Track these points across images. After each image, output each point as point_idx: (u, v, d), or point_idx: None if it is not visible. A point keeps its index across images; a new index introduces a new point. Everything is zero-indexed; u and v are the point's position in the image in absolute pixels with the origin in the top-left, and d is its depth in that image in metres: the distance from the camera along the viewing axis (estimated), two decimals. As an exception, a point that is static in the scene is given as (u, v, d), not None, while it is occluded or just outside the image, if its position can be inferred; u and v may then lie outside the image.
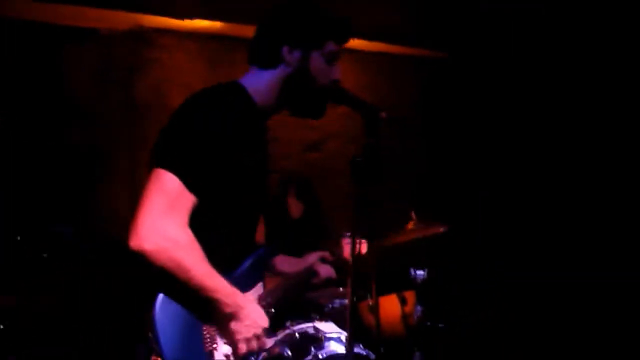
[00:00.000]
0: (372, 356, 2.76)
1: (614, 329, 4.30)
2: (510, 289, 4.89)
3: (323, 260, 2.50)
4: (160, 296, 1.82)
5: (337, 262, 2.54)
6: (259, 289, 2.13)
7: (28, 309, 3.18)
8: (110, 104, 4.31)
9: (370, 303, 3.51)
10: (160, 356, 1.78)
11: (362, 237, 2.74)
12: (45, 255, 3.40)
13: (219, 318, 1.91)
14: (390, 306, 3.55)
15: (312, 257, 2.50)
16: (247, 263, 2.07)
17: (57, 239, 3.56)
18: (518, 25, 4.71)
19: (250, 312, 1.93)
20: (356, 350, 2.73)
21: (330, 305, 3.44)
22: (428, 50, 5.23)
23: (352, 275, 1.76)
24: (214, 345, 1.91)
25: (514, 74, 5.16)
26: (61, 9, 3.90)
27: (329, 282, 2.59)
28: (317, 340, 2.74)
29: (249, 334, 1.93)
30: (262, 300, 2.11)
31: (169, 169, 1.81)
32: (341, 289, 3.61)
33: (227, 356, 1.94)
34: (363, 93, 2.01)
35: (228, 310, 1.88)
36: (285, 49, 2.03)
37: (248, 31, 4.91)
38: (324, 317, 3.10)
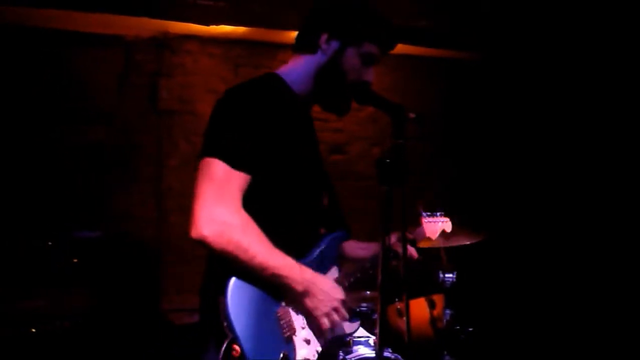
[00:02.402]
0: (401, 360, 2.74)
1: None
2: (540, 292, 4.82)
3: (401, 240, 2.41)
4: (231, 282, 1.83)
5: (416, 242, 2.47)
6: (333, 273, 2.11)
7: (59, 313, 3.21)
8: (135, 110, 4.34)
9: (399, 307, 3.49)
10: (238, 343, 1.78)
11: (446, 215, 2.60)
12: (75, 260, 3.44)
13: (292, 298, 1.90)
14: (419, 310, 3.52)
15: (391, 238, 2.42)
16: (318, 249, 2.06)
17: (86, 244, 3.59)
18: (547, 26, 4.64)
19: (322, 286, 1.93)
20: (385, 354, 2.71)
21: (357, 309, 3.42)
22: (454, 52, 5.17)
23: (381, 277, 1.73)
24: (292, 331, 1.90)
25: (543, 76, 5.09)
26: (86, 16, 3.94)
27: (412, 262, 2.47)
28: (346, 343, 2.73)
29: (327, 308, 1.92)
30: (339, 283, 2.09)
31: (212, 155, 1.85)
32: (368, 292, 3.59)
33: (307, 341, 1.92)
34: (388, 95, 2.00)
35: (299, 287, 1.88)
36: (324, 37, 2.04)
37: (272, 35, 4.94)
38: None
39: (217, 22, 4.30)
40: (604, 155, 4.70)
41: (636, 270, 4.38)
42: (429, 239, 2.59)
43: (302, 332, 1.91)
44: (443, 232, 2.56)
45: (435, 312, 3.52)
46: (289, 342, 1.88)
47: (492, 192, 5.21)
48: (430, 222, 2.57)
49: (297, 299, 1.90)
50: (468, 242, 3.45)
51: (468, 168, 5.29)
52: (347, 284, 2.08)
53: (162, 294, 4.16)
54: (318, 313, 1.91)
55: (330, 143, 4.91)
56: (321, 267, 2.03)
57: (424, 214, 2.62)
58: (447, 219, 2.62)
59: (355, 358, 2.66)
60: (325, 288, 1.93)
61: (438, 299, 3.54)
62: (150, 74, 4.40)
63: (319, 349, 1.94)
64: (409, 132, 1.80)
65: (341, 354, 2.66)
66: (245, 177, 1.86)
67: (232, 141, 1.85)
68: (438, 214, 2.60)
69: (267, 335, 1.84)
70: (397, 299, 3.48)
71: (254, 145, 1.87)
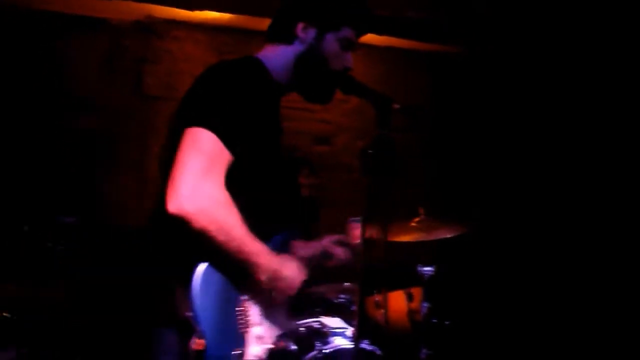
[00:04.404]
0: (378, 352, 2.74)
1: (619, 329, 4.27)
2: (516, 285, 4.86)
3: (339, 242, 2.41)
4: (198, 271, 1.74)
5: (352, 246, 2.46)
6: None
7: (33, 298, 3.18)
8: (119, 95, 4.31)
9: (377, 299, 3.50)
10: (202, 337, 1.72)
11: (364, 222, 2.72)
12: (50, 244, 3.39)
13: (253, 286, 1.86)
14: (397, 302, 3.53)
15: (326, 240, 2.44)
16: (275, 241, 2.02)
17: (62, 229, 3.55)
18: (536, 19, 4.65)
19: (288, 273, 1.91)
20: (362, 346, 2.71)
21: (335, 300, 3.41)
22: (441, 45, 5.17)
23: (361, 269, 1.72)
24: (247, 328, 1.87)
25: (530, 69, 5.10)
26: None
27: (344, 266, 2.49)
28: (323, 335, 2.72)
29: (287, 294, 1.92)
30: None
31: (205, 126, 1.74)
32: (347, 283, 3.59)
33: (259, 337, 1.90)
34: (374, 87, 1.99)
35: (264, 277, 1.84)
36: (300, 26, 2.01)
37: (258, 23, 4.92)
38: (330, 312, 3.09)
39: (201, 8, 4.26)
40: (588, 150, 4.74)
41: (616, 263, 4.43)
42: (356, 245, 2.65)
43: (255, 328, 1.89)
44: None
45: (413, 305, 3.53)
46: (243, 339, 1.85)
47: (474, 185, 5.23)
48: (356, 227, 2.65)
49: (259, 285, 1.86)
50: (449, 235, 3.45)
51: (452, 161, 5.31)
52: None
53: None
54: (277, 299, 1.92)
55: (316, 134, 4.89)
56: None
57: (352, 219, 2.71)
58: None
59: (332, 349, 2.66)
60: (290, 274, 1.91)
61: (416, 292, 3.55)
62: (135, 59, 4.36)
63: (270, 346, 1.92)
64: (394, 123, 1.79)
65: (318, 344, 2.66)
66: (230, 159, 1.78)
67: (225, 117, 1.77)
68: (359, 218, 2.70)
69: (228, 330, 1.80)
70: (375, 291, 3.48)
71: (241, 127, 1.81)
